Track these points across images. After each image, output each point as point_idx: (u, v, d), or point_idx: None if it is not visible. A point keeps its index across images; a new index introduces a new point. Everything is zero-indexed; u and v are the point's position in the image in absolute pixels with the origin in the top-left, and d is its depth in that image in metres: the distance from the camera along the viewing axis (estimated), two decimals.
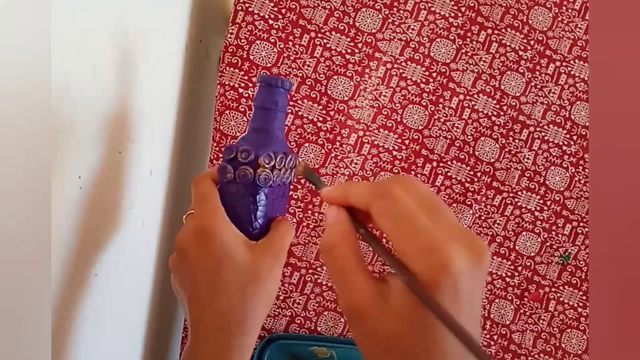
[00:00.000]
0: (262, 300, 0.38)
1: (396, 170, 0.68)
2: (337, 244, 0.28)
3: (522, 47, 0.68)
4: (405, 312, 0.25)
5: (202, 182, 0.42)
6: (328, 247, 0.29)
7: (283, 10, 0.65)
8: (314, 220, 0.68)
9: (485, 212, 0.69)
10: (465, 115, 0.68)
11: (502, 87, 0.68)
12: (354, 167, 0.68)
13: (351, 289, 0.27)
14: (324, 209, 0.68)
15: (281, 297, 0.68)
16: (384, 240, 0.30)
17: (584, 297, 0.70)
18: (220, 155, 0.66)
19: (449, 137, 0.68)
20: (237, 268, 0.38)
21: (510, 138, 0.69)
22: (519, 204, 0.69)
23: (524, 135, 0.69)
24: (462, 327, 0.23)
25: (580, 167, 0.69)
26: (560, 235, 0.70)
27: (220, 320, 0.37)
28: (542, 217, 0.70)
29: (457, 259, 0.24)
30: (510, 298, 0.70)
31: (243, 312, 0.37)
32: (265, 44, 0.65)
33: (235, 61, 0.65)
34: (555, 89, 0.69)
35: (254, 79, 0.65)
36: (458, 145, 0.68)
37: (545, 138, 0.69)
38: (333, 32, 0.66)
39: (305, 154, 0.67)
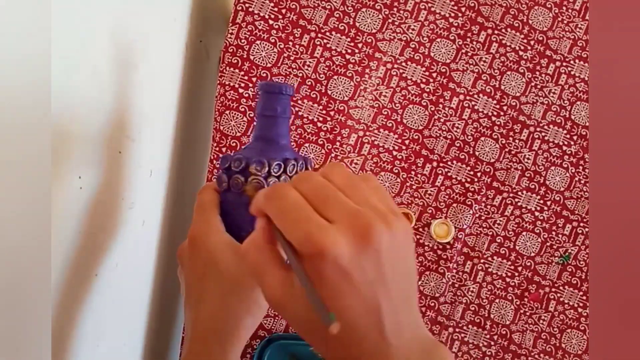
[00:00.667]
0: (244, 309, 0.38)
1: (396, 171, 0.68)
2: (252, 248, 0.29)
3: (522, 47, 0.68)
4: (303, 297, 0.27)
5: (204, 192, 0.43)
6: (245, 252, 0.30)
7: (283, 11, 0.65)
8: None
9: (486, 212, 0.69)
10: (466, 115, 0.68)
11: (502, 87, 0.68)
12: (354, 167, 0.68)
13: (263, 283, 0.28)
14: None
15: None
16: None
17: (584, 297, 0.70)
18: (221, 155, 0.66)
19: (449, 137, 0.68)
20: (220, 275, 0.38)
21: (511, 138, 0.69)
22: (519, 204, 0.69)
23: (524, 136, 0.69)
24: (323, 310, 0.25)
25: (580, 167, 0.69)
26: (560, 236, 0.70)
27: (202, 327, 0.38)
28: (542, 217, 0.70)
29: (331, 244, 0.25)
30: (510, 298, 0.70)
31: (223, 319, 0.38)
32: (266, 44, 0.65)
33: (236, 61, 0.65)
34: (555, 89, 0.69)
35: (254, 79, 0.65)
36: (458, 145, 0.68)
37: (546, 138, 0.69)
38: (333, 32, 0.66)
39: (305, 154, 0.67)
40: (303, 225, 0.26)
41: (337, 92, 0.67)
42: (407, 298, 0.28)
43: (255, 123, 0.44)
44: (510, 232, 0.70)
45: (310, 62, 0.66)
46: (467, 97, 0.68)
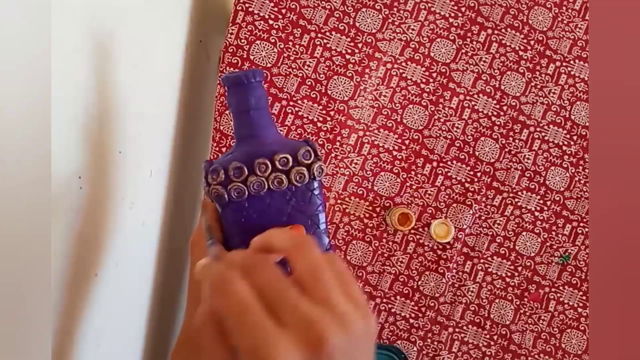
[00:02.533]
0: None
1: (396, 171, 0.68)
2: (202, 340, 0.27)
3: (522, 47, 0.68)
4: None
5: (206, 200, 0.42)
6: (197, 342, 0.29)
7: (283, 11, 0.65)
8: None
9: (485, 212, 0.69)
10: (465, 115, 0.68)
11: (502, 87, 0.68)
12: (354, 167, 0.68)
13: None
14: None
15: None
16: None
17: (584, 297, 0.70)
18: (220, 155, 0.66)
19: (449, 137, 0.68)
20: (194, 287, 0.38)
21: (510, 138, 0.69)
22: (519, 204, 0.69)
23: (524, 136, 0.69)
24: None
25: (580, 167, 0.69)
26: (560, 236, 0.70)
27: (180, 336, 0.40)
28: (542, 217, 0.70)
29: (277, 357, 0.23)
30: (510, 298, 0.70)
31: (189, 326, 0.39)
32: (265, 44, 0.65)
33: (235, 61, 0.65)
34: (555, 89, 0.69)
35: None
36: (458, 145, 0.68)
37: (545, 138, 0.69)
38: (333, 32, 0.66)
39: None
40: (250, 332, 0.24)
41: (337, 92, 0.67)
42: None
43: (237, 119, 0.39)
44: (510, 232, 0.70)
45: (310, 62, 0.66)
46: (467, 97, 0.68)
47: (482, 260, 0.70)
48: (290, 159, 0.37)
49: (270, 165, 0.37)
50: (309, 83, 0.66)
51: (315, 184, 0.38)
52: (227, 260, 0.28)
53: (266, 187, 0.37)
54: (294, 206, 0.38)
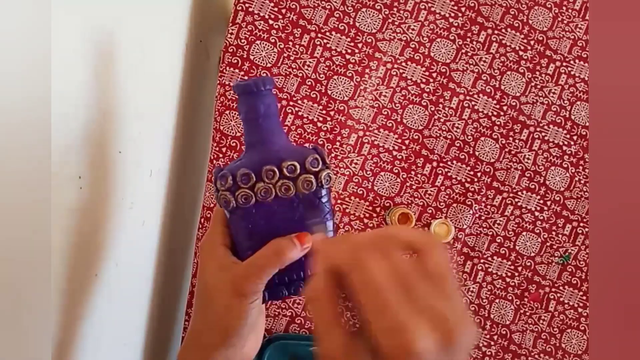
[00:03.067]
0: (213, 320, 0.38)
1: (396, 171, 0.68)
2: (316, 298, 0.29)
3: (522, 47, 0.68)
4: None
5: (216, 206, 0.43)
6: (309, 299, 0.30)
7: (283, 11, 0.65)
8: None
9: (486, 212, 0.69)
10: (465, 115, 0.68)
11: (502, 87, 0.68)
12: (354, 167, 0.68)
13: (325, 340, 0.28)
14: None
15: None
16: None
17: (584, 297, 0.70)
18: (220, 155, 0.66)
19: (449, 137, 0.68)
20: (204, 285, 0.39)
21: (510, 138, 0.69)
22: (519, 204, 0.69)
23: (524, 136, 0.69)
24: None
25: (580, 167, 0.69)
26: (560, 236, 0.70)
27: (188, 335, 0.41)
28: (542, 217, 0.70)
29: (419, 340, 0.24)
30: (510, 298, 0.70)
31: (200, 330, 0.39)
32: (265, 44, 0.65)
33: (235, 61, 0.65)
34: (555, 89, 0.69)
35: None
36: (458, 145, 0.68)
37: (545, 138, 0.69)
38: (333, 32, 0.66)
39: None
40: (390, 313, 0.26)
41: (337, 92, 0.67)
42: None
43: (247, 126, 0.40)
44: (510, 232, 0.70)
45: (310, 62, 0.66)
46: (467, 97, 0.68)
47: (482, 260, 0.70)
48: (298, 166, 0.37)
49: (277, 172, 0.37)
50: (309, 83, 0.66)
51: (323, 192, 0.38)
52: (358, 238, 0.29)
53: (273, 194, 0.38)
54: (301, 213, 0.38)
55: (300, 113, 0.66)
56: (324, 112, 0.67)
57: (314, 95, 0.66)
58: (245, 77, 0.65)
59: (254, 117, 0.39)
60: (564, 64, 0.68)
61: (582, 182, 0.69)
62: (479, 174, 0.69)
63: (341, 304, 0.29)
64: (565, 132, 0.69)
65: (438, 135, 0.68)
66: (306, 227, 0.38)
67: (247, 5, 0.65)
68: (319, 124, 0.67)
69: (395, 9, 0.66)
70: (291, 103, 0.66)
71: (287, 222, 0.38)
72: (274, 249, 0.37)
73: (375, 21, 0.66)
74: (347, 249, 0.29)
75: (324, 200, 0.39)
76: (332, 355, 0.28)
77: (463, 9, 0.67)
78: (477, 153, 0.69)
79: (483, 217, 0.69)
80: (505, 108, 0.68)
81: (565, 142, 0.69)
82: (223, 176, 0.38)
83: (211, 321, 0.38)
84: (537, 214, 0.70)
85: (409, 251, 0.29)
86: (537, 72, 0.68)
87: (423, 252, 0.29)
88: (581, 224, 0.70)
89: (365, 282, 0.27)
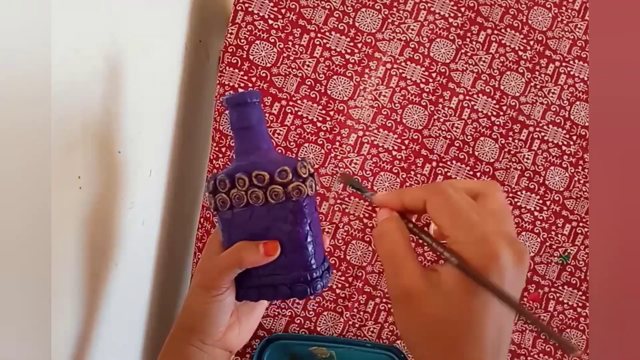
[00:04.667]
0: (186, 303, 0.42)
1: (396, 171, 0.68)
2: (389, 232, 0.31)
3: (521, 47, 0.68)
4: (455, 298, 0.28)
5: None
6: (380, 233, 0.31)
7: (283, 10, 0.65)
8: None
9: None
10: (465, 115, 0.68)
11: (502, 87, 0.68)
12: (354, 167, 0.68)
13: (402, 272, 0.29)
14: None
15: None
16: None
17: (584, 297, 0.70)
18: (220, 155, 0.66)
19: (449, 137, 0.68)
20: (197, 274, 0.43)
21: (510, 138, 0.69)
22: (518, 204, 0.69)
23: (523, 135, 0.69)
24: (514, 299, 0.26)
25: (580, 167, 0.69)
26: (559, 235, 0.70)
27: (175, 323, 0.43)
28: (541, 217, 0.70)
29: (505, 253, 0.27)
30: None
31: (189, 316, 0.42)
32: (265, 44, 0.65)
33: (235, 61, 0.65)
34: (554, 89, 0.69)
35: (253, 79, 0.65)
36: (458, 145, 0.68)
37: (545, 138, 0.69)
38: (333, 32, 0.66)
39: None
40: (477, 227, 0.28)
41: (336, 92, 0.67)
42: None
43: (233, 137, 0.42)
44: None
45: (309, 62, 0.66)
46: (467, 97, 0.68)
47: None
48: (268, 176, 0.39)
49: (247, 181, 0.39)
50: (309, 83, 0.66)
51: (291, 204, 0.39)
52: (426, 185, 0.32)
53: (245, 201, 0.40)
54: (272, 221, 0.40)
55: (299, 113, 0.66)
56: (323, 112, 0.67)
57: (314, 95, 0.66)
58: (245, 78, 0.65)
59: (239, 127, 0.41)
60: (564, 64, 0.68)
61: (582, 182, 0.69)
62: (478, 174, 0.69)
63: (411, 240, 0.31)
64: (564, 132, 0.69)
65: (437, 135, 0.68)
66: (277, 234, 0.40)
67: (246, 5, 0.64)
68: (319, 124, 0.67)
69: (394, 9, 0.66)
70: (291, 103, 0.66)
71: (259, 229, 0.40)
72: (237, 250, 0.40)
73: (375, 21, 0.66)
74: (418, 188, 0.31)
75: (295, 211, 0.39)
76: (414, 285, 0.29)
77: (462, 9, 0.67)
78: (476, 153, 0.69)
79: None
80: (504, 108, 0.68)
81: (565, 142, 0.69)
82: (208, 180, 0.41)
83: (186, 303, 0.42)
84: (536, 213, 0.70)
85: (472, 196, 0.31)
86: (537, 72, 0.68)
87: (484, 194, 0.31)
88: (580, 224, 0.70)
89: (446, 201, 0.29)
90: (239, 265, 0.39)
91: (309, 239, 0.40)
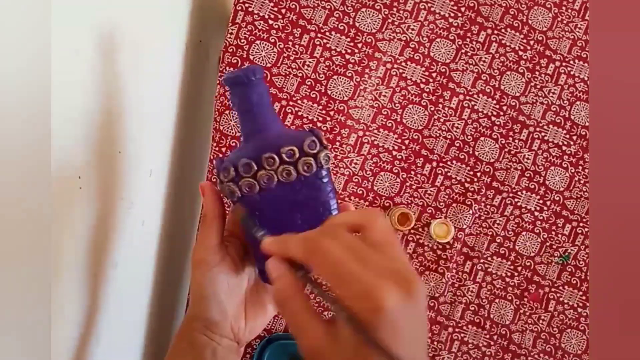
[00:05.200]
0: (190, 289, 0.42)
1: (396, 171, 0.68)
2: (287, 298, 0.32)
3: (521, 47, 0.68)
4: (352, 348, 0.28)
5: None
6: (280, 301, 0.32)
7: (283, 10, 0.65)
8: None
9: (485, 212, 0.69)
10: (465, 115, 0.68)
11: (502, 87, 0.68)
12: (354, 167, 0.68)
13: (306, 334, 0.30)
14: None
15: None
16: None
17: (584, 297, 0.70)
18: (220, 156, 0.66)
19: (449, 137, 0.68)
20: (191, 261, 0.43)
21: (510, 138, 0.69)
22: (518, 204, 0.69)
23: (523, 135, 0.69)
24: (398, 356, 0.26)
25: (580, 167, 0.69)
26: (560, 235, 0.70)
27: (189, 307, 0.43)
28: (541, 217, 0.70)
29: (386, 298, 0.27)
30: (510, 298, 0.70)
31: (193, 301, 0.42)
32: (265, 44, 0.65)
33: (235, 61, 0.65)
34: (555, 89, 0.69)
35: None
36: (458, 145, 0.68)
37: (545, 138, 0.69)
38: (333, 32, 0.66)
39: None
40: (355, 281, 0.28)
41: (336, 92, 0.67)
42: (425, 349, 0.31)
43: (239, 118, 0.41)
44: (510, 232, 0.70)
45: (310, 62, 0.66)
46: (467, 97, 0.68)
47: (482, 260, 0.70)
48: (297, 150, 0.38)
49: (277, 159, 0.38)
50: (309, 83, 0.66)
51: (324, 172, 0.39)
52: (306, 233, 0.32)
53: (276, 180, 0.38)
54: (304, 195, 0.39)
55: (300, 113, 0.66)
56: (323, 112, 0.67)
57: (314, 95, 0.66)
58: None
59: (247, 108, 0.40)
60: (564, 64, 0.68)
61: (582, 182, 0.69)
62: (478, 174, 0.69)
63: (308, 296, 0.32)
64: (564, 132, 0.69)
65: (438, 135, 0.68)
66: (311, 208, 0.40)
67: (247, 5, 0.65)
68: (319, 124, 0.67)
69: (395, 9, 0.66)
70: (291, 103, 0.66)
71: (292, 205, 0.39)
72: (202, 214, 0.41)
73: (375, 21, 0.66)
74: (299, 243, 0.32)
75: (325, 180, 0.40)
76: (318, 345, 0.30)
77: (463, 9, 0.67)
78: (476, 153, 0.69)
79: (483, 217, 0.69)
80: (504, 108, 0.68)
81: (565, 142, 0.69)
82: (225, 168, 0.38)
83: (190, 293, 0.42)
84: (536, 213, 0.70)
85: (354, 231, 0.32)
86: (537, 72, 0.68)
87: (366, 227, 0.32)
88: (581, 224, 0.70)
89: (324, 261, 0.29)
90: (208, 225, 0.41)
91: (337, 205, 0.41)
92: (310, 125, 0.67)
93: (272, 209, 0.39)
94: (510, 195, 0.69)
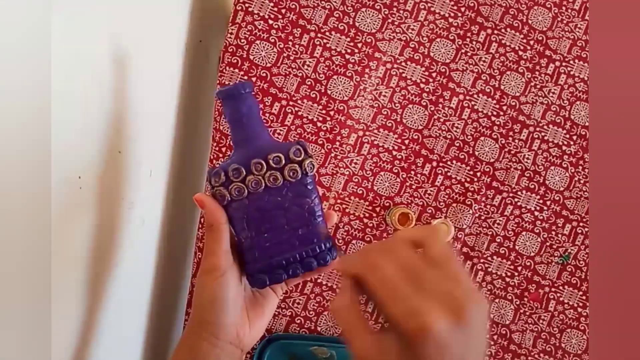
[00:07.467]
0: (195, 301, 0.42)
1: (396, 170, 0.68)
2: (340, 310, 0.33)
3: (521, 47, 0.68)
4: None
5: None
6: (333, 309, 0.34)
7: (283, 10, 0.65)
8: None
9: (485, 212, 0.69)
10: (465, 115, 0.68)
11: (502, 87, 0.68)
12: (354, 167, 0.68)
13: (355, 343, 0.32)
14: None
15: (281, 297, 0.68)
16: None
17: (584, 297, 0.70)
18: (220, 155, 0.66)
19: (449, 137, 0.68)
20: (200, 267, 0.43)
21: (510, 138, 0.69)
22: (518, 203, 0.69)
23: (523, 135, 0.69)
24: None
25: (580, 167, 0.69)
26: (560, 235, 0.70)
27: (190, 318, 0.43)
28: (541, 217, 0.70)
29: (434, 321, 0.28)
30: (510, 298, 0.70)
31: (198, 304, 0.42)
32: (265, 44, 0.65)
33: (235, 61, 0.65)
34: (555, 89, 0.69)
35: (253, 79, 0.65)
36: (458, 145, 0.68)
37: (545, 138, 0.69)
38: (333, 32, 0.66)
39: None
40: (405, 301, 0.29)
41: (336, 92, 0.67)
42: None
43: (231, 128, 0.44)
44: (509, 232, 0.70)
45: (310, 62, 0.66)
46: (467, 97, 0.68)
47: (482, 260, 0.70)
48: (283, 157, 0.41)
49: (265, 164, 0.41)
50: (309, 83, 0.66)
51: (309, 179, 0.42)
52: (368, 247, 0.34)
53: (263, 184, 0.41)
54: (290, 201, 0.42)
55: (300, 113, 0.66)
56: (323, 112, 0.67)
57: (314, 95, 0.66)
58: (245, 78, 0.65)
59: (238, 119, 0.43)
60: (564, 63, 0.68)
61: (582, 182, 0.69)
62: (478, 174, 0.69)
63: (363, 309, 0.33)
64: (564, 132, 0.69)
65: (438, 135, 0.68)
66: (296, 212, 0.42)
67: (246, 5, 0.64)
68: (319, 124, 0.67)
69: (395, 9, 0.66)
70: (291, 103, 0.66)
71: (278, 210, 0.42)
72: (207, 223, 0.42)
73: (375, 21, 0.66)
74: (359, 259, 0.33)
75: (310, 187, 0.43)
76: (364, 354, 0.31)
77: (463, 9, 0.67)
78: (476, 153, 0.69)
79: (483, 217, 0.69)
80: (504, 108, 0.68)
81: (565, 142, 0.69)
82: (216, 173, 0.41)
83: (194, 297, 0.43)
84: (536, 213, 0.70)
85: (414, 247, 0.33)
86: (537, 72, 0.68)
87: (426, 244, 0.32)
88: (581, 224, 0.70)
89: (379, 279, 0.31)
90: (212, 229, 0.41)
91: (320, 210, 0.43)
92: (310, 125, 0.67)
93: (260, 213, 0.42)
94: (510, 195, 0.69)
